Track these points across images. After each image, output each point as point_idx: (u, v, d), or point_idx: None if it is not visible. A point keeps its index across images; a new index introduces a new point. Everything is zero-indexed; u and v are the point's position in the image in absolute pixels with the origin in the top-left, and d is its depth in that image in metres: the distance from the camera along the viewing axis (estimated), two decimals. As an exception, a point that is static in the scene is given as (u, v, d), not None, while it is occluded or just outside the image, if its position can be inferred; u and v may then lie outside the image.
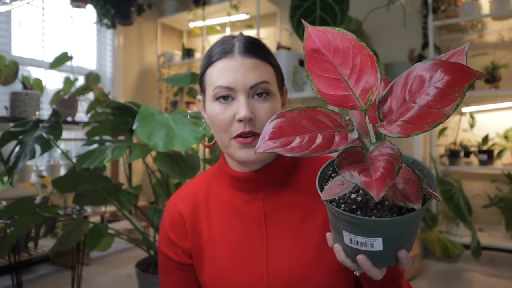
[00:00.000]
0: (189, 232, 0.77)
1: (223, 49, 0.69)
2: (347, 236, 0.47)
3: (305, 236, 0.70)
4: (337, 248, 0.51)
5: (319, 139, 0.43)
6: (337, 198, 0.48)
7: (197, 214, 0.77)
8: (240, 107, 0.66)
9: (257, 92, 0.67)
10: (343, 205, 0.47)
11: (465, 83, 0.38)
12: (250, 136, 0.66)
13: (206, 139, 1.50)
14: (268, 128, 0.44)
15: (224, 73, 0.67)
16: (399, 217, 0.43)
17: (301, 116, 0.45)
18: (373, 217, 0.45)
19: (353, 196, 0.48)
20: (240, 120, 0.66)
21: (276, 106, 0.70)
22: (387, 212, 0.45)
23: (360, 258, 0.47)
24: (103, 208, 2.61)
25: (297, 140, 0.43)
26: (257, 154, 0.59)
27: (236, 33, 2.85)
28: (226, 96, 0.67)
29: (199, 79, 0.75)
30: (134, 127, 1.20)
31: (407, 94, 0.41)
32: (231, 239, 0.73)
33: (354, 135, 0.44)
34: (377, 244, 0.45)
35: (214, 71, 0.69)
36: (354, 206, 0.47)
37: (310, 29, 0.48)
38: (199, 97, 0.78)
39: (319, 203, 0.69)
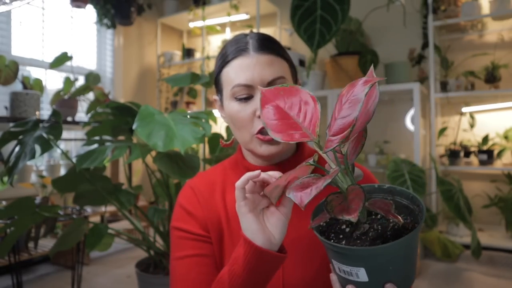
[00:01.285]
0: (202, 202, 0.75)
1: (238, 47, 0.70)
2: (335, 265, 0.51)
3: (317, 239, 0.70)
4: (333, 278, 0.54)
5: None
6: (326, 226, 0.54)
7: (213, 190, 0.77)
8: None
9: None
10: (332, 235, 0.52)
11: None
12: None
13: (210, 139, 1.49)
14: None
15: (240, 71, 0.68)
16: (376, 247, 0.45)
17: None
18: (354, 246, 0.47)
19: (343, 227, 0.52)
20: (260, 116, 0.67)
21: None
22: (368, 243, 0.47)
23: None
24: (103, 208, 2.61)
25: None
26: (278, 148, 0.69)
27: (237, 33, 2.85)
28: (246, 97, 0.69)
29: (215, 79, 0.75)
30: (134, 127, 1.20)
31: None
32: None
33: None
34: (362, 274, 0.47)
35: (230, 70, 0.70)
36: (341, 236, 0.51)
37: (264, 91, 0.56)
38: (215, 97, 0.78)
39: None
